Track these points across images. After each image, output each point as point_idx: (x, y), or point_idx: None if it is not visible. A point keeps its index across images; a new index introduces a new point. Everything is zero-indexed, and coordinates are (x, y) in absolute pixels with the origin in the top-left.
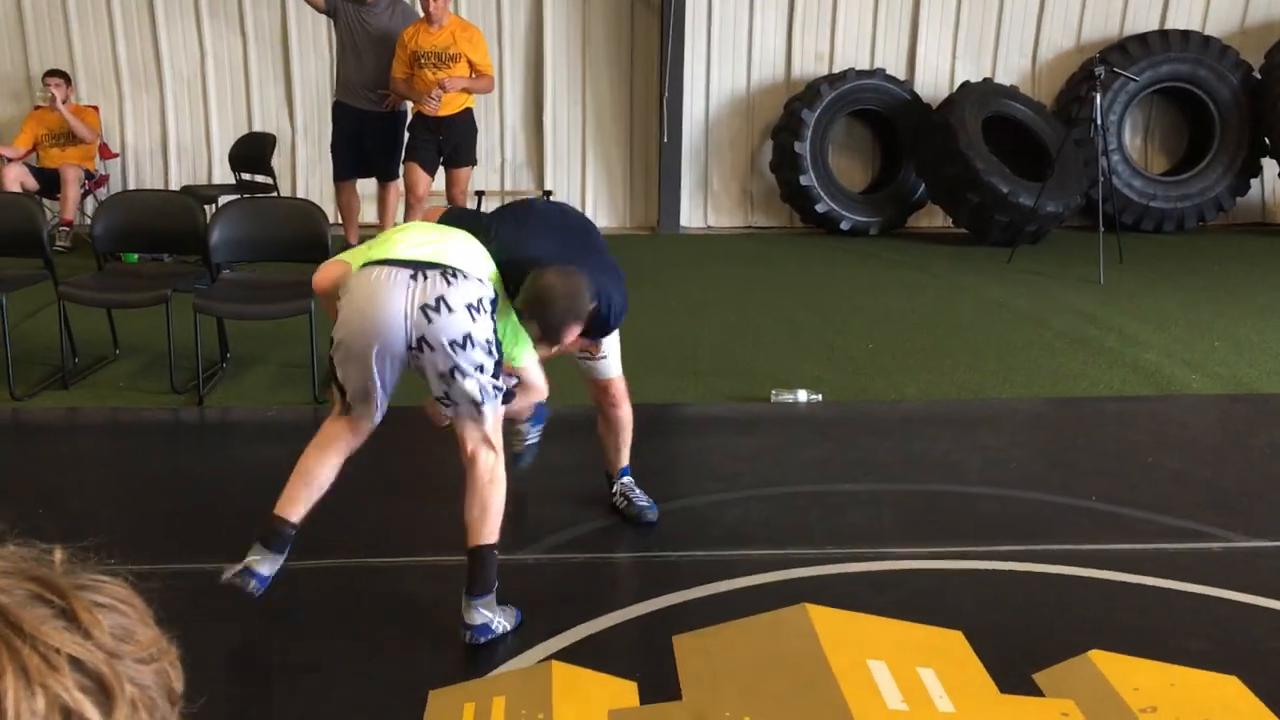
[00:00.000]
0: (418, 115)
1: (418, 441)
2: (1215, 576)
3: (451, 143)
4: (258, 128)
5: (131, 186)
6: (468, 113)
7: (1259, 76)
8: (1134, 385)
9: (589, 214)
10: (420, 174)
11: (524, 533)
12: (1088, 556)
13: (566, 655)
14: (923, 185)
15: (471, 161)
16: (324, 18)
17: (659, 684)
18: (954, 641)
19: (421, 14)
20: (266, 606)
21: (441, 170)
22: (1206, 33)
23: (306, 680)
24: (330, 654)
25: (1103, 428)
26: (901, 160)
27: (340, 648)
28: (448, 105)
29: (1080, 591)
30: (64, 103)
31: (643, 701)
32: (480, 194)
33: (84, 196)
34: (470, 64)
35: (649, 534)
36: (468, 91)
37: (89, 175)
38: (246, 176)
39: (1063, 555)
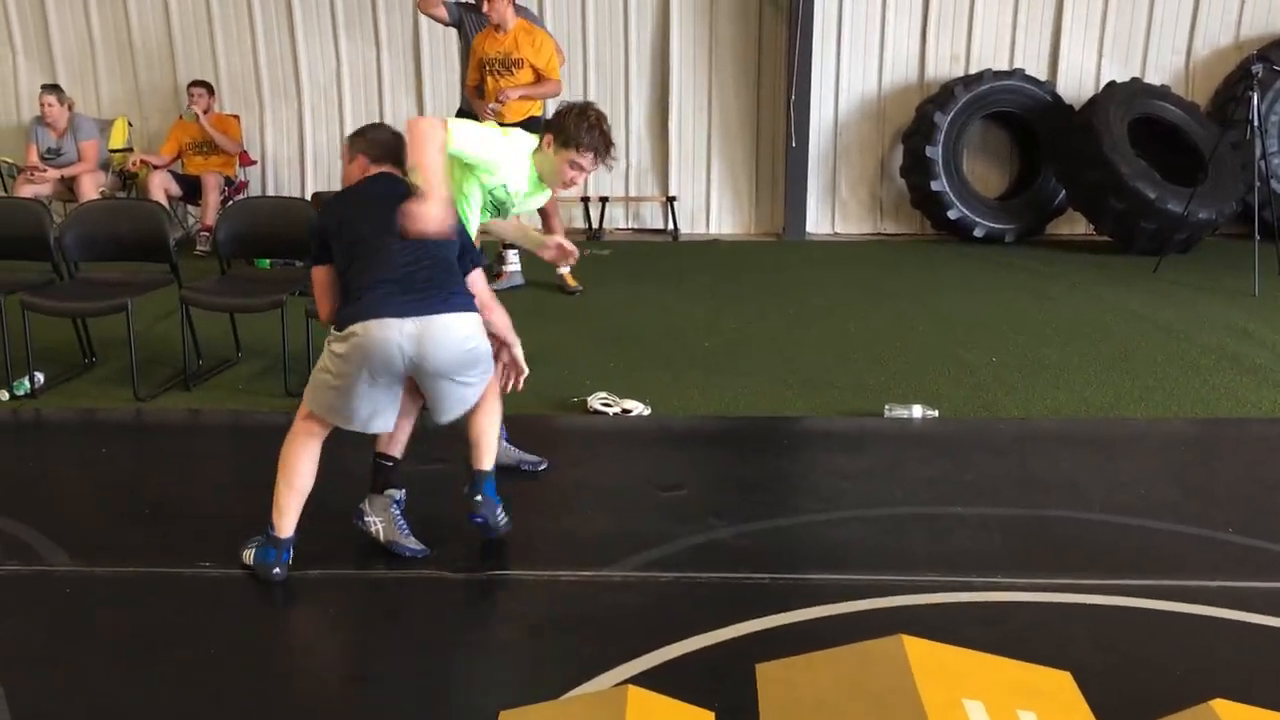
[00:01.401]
0: None
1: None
2: None
3: None
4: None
5: (270, 192)
6: (532, 121)
7: None
8: None
9: (713, 221)
10: None
11: (611, 549)
12: (1217, 594)
13: (644, 679)
14: (1063, 191)
15: None
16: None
17: (738, 715)
18: (1061, 683)
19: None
20: (343, 616)
21: None
22: None
23: (375, 693)
24: (400, 668)
25: (1246, 452)
26: (1041, 164)
27: (410, 662)
28: (510, 113)
29: (1206, 632)
30: (206, 113)
31: None
32: (605, 199)
33: (224, 202)
34: (534, 69)
35: (741, 555)
36: (529, 98)
37: (229, 182)
38: None
39: (1189, 592)
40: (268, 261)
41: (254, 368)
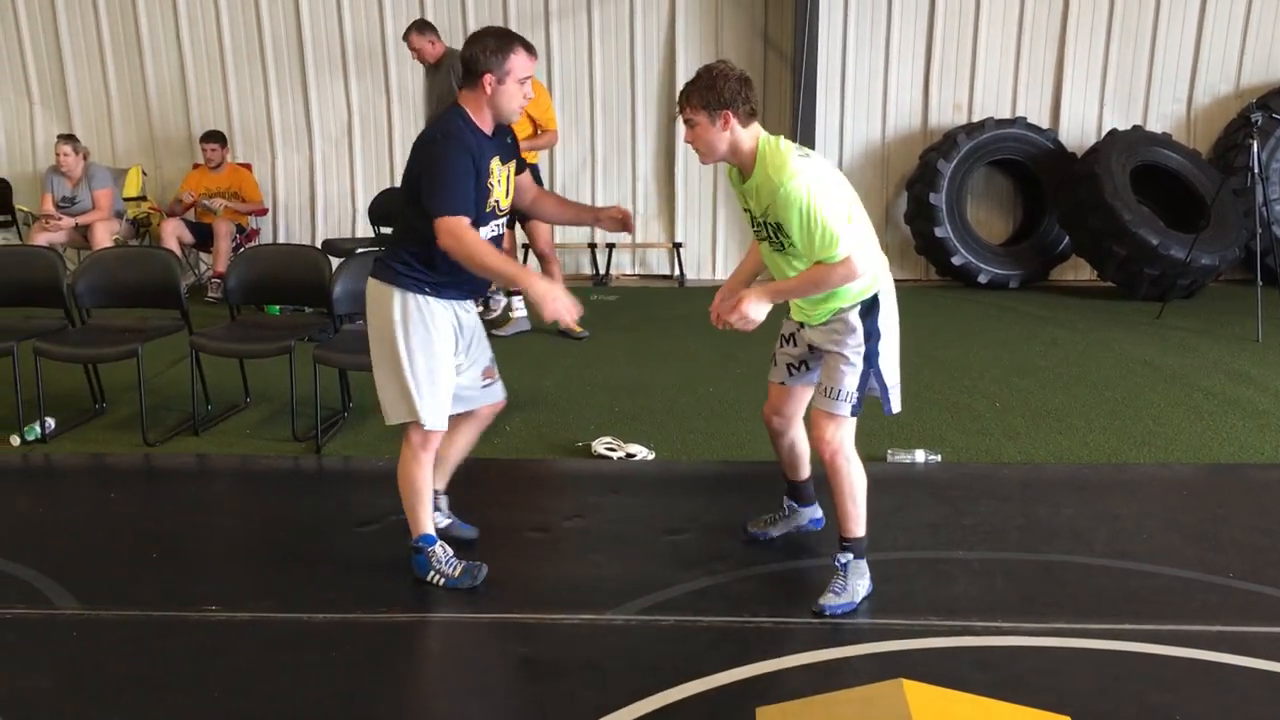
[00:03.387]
0: None
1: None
2: None
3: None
4: (399, 183)
5: (281, 240)
6: (528, 167)
7: None
8: None
9: (719, 267)
10: None
11: (614, 593)
12: (1218, 639)
13: None
14: (1066, 237)
15: None
16: None
17: None
18: None
19: None
20: (349, 660)
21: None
22: None
23: None
24: (405, 711)
25: (1248, 497)
26: (1044, 211)
27: (416, 705)
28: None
29: (1207, 678)
30: (218, 166)
31: None
32: (611, 245)
33: (236, 250)
34: (531, 120)
35: (743, 599)
36: (530, 151)
37: (240, 230)
38: (386, 230)
39: (1190, 637)
40: (278, 308)
41: (262, 413)
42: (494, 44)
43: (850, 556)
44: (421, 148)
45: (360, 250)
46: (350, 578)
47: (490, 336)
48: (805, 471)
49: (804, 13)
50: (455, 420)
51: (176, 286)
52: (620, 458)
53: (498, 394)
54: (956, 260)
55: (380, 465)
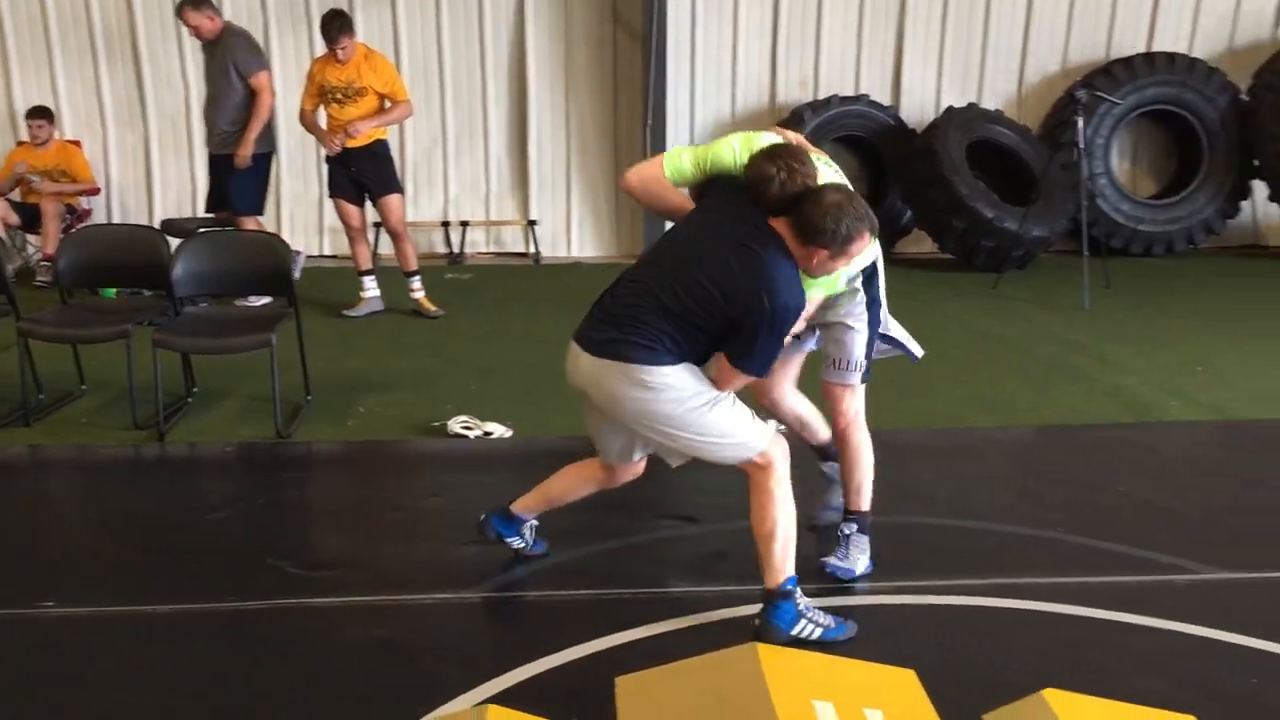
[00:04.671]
0: None
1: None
2: (1178, 610)
3: (365, 175)
4: None
5: (116, 220)
6: (377, 144)
7: (1246, 98)
8: (1112, 413)
9: (574, 244)
10: (346, 206)
11: (471, 571)
12: (1048, 590)
13: (505, 698)
14: (909, 211)
15: (393, 190)
16: (305, 56)
17: None
18: (905, 680)
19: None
20: (197, 652)
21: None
22: (1193, 55)
23: None
24: (259, 700)
25: (1075, 457)
26: (888, 186)
27: (269, 693)
28: (357, 140)
29: (1038, 627)
30: (44, 144)
31: None
32: (465, 224)
33: (66, 230)
34: (378, 95)
35: (601, 572)
36: (381, 126)
37: (71, 210)
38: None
39: (1023, 589)
40: (114, 291)
41: (99, 400)
42: (847, 227)
43: (854, 529)
44: (757, 301)
45: (202, 230)
46: (198, 567)
47: (340, 316)
48: (825, 432)
49: None
50: (601, 470)
51: (1, 270)
52: (477, 436)
53: (641, 467)
54: None
55: (228, 451)
